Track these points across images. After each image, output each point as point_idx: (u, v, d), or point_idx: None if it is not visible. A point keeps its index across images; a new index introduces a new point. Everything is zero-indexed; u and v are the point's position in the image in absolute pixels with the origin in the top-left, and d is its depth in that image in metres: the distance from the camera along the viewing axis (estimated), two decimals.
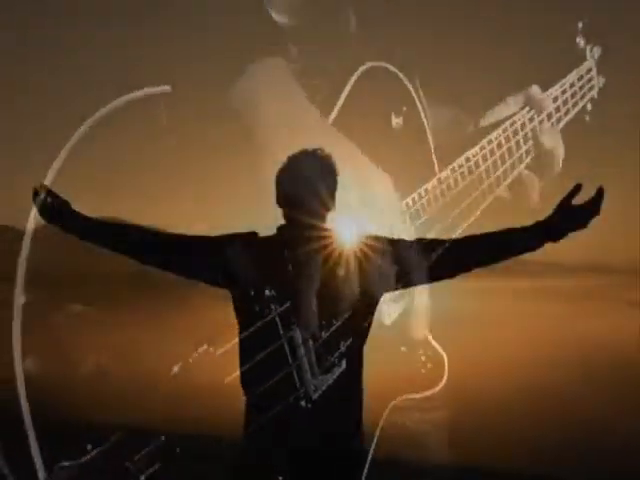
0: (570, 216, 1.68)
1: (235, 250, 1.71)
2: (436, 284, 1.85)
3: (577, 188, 1.68)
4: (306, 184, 1.70)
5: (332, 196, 1.74)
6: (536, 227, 1.70)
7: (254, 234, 1.77)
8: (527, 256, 1.76)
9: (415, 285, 1.80)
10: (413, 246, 1.76)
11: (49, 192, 1.82)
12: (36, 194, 1.82)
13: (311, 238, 1.69)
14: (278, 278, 1.66)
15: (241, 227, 1.80)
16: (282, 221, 1.76)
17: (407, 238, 1.95)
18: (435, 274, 1.78)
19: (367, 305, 1.72)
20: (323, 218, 1.72)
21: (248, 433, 1.69)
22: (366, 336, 1.74)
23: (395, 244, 1.77)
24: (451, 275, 1.78)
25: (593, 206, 1.66)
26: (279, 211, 1.76)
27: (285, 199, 1.74)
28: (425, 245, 1.76)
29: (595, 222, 1.68)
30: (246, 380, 1.69)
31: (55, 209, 1.81)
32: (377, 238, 1.76)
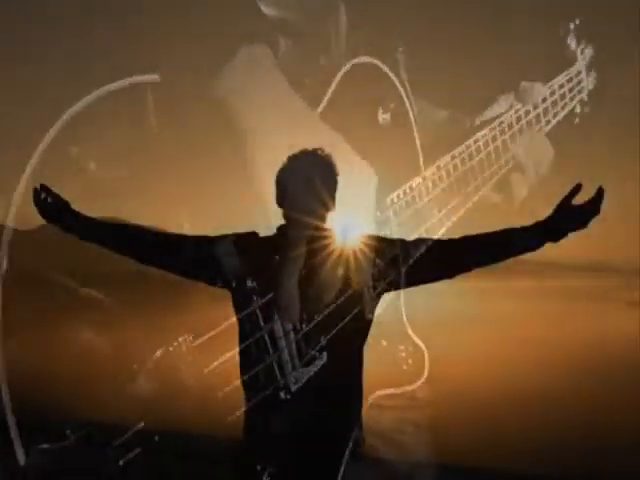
0: (570, 216, 1.67)
1: (235, 250, 1.71)
2: (435, 283, 1.84)
3: (577, 188, 1.68)
4: (306, 184, 1.70)
5: (332, 196, 1.74)
6: (536, 227, 1.70)
7: (254, 234, 1.77)
8: (527, 256, 1.76)
9: (414, 285, 1.79)
10: (412, 246, 1.75)
11: (49, 192, 1.82)
12: (36, 194, 1.82)
13: (311, 238, 1.68)
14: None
15: (238, 226, 1.80)
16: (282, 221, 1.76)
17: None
18: (435, 274, 1.77)
19: (365, 305, 1.71)
20: (323, 218, 1.72)
21: (245, 427, 1.69)
22: (366, 336, 1.74)
23: (394, 244, 1.76)
24: (450, 275, 1.78)
25: (593, 206, 1.66)
26: (279, 211, 1.76)
27: (285, 199, 1.74)
28: (424, 245, 1.75)
29: (595, 222, 1.68)
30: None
31: (55, 209, 1.81)
32: (375, 238, 1.76)
